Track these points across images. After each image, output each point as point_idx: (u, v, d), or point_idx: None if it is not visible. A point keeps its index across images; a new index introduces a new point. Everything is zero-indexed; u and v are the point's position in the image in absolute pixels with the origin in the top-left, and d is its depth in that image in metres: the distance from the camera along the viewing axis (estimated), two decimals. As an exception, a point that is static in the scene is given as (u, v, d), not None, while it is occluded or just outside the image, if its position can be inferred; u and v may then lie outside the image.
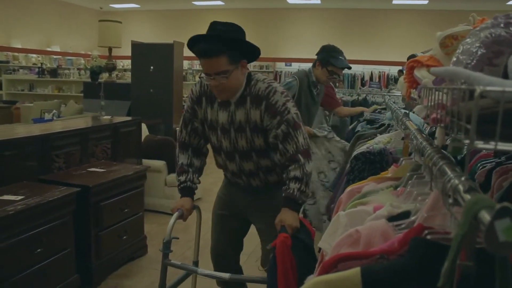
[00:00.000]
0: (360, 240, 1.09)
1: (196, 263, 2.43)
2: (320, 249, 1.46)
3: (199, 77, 2.21)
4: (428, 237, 0.88)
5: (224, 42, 1.90)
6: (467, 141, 0.71)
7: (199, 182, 2.32)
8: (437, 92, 1.09)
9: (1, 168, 3.18)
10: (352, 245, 1.10)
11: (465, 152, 1.55)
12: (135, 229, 3.77)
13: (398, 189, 1.41)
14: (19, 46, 11.49)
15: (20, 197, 2.74)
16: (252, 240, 2.58)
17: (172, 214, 2.19)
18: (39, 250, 2.70)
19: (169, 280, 2.24)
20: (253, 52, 2.04)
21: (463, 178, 0.82)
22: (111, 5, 13.72)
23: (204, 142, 2.30)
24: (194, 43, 1.95)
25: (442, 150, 1.17)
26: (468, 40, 0.98)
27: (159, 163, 5.00)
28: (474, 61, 0.90)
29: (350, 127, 4.36)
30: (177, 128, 7.24)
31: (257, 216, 2.30)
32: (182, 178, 2.26)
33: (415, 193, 1.23)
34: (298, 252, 1.84)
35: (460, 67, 0.93)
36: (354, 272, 0.86)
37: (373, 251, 0.95)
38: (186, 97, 9.83)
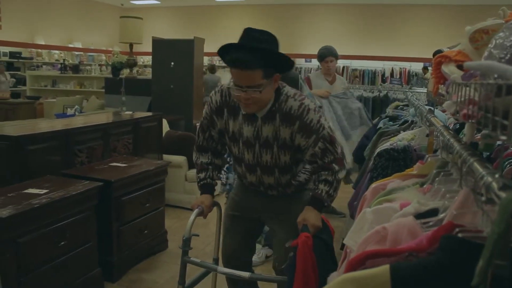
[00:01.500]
0: (387, 237, 1.08)
1: (216, 260, 2.40)
2: (342, 245, 1.45)
3: (221, 88, 2.11)
4: (460, 235, 0.87)
5: (262, 55, 1.79)
6: (503, 137, 0.69)
7: (219, 179, 2.31)
8: (466, 88, 1.07)
9: (27, 162, 3.23)
10: (379, 242, 1.08)
11: (495, 149, 1.52)
12: (155, 224, 3.80)
13: (425, 186, 1.39)
14: (42, 43, 11.67)
15: (44, 191, 2.78)
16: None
17: (192, 211, 2.18)
18: (62, 243, 2.74)
19: (190, 276, 2.23)
20: (286, 65, 1.92)
21: (496, 176, 0.80)
22: (132, 1, 13.84)
23: (222, 147, 2.26)
24: (227, 50, 1.83)
25: (471, 147, 1.15)
26: (501, 34, 0.96)
27: (180, 159, 5.03)
28: (509, 55, 0.88)
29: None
30: (197, 124, 7.26)
31: (272, 217, 2.25)
32: (202, 175, 2.24)
33: (443, 191, 1.21)
34: (318, 252, 1.82)
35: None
36: (383, 269, 0.85)
37: (401, 249, 0.93)
38: (206, 95, 9.86)
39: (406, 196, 1.34)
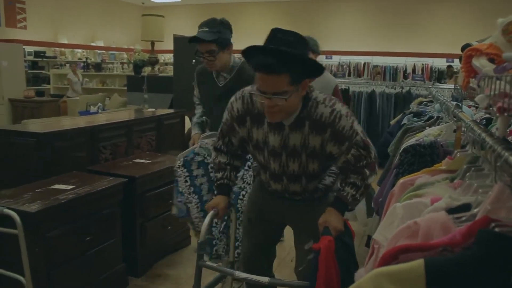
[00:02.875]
0: (418, 232, 1.07)
1: (232, 264, 2.31)
2: (368, 243, 1.40)
3: (242, 94, 1.96)
4: (496, 229, 0.85)
5: (289, 58, 1.63)
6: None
7: (236, 179, 2.21)
8: (499, 81, 1.05)
9: (53, 158, 3.29)
10: (410, 237, 1.07)
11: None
12: (179, 220, 3.82)
13: (455, 181, 1.37)
14: (66, 42, 11.87)
15: (71, 187, 2.83)
16: (283, 246, 2.45)
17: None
18: (88, 238, 2.78)
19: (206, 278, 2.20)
20: (316, 70, 1.76)
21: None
22: (152, 0, 13.94)
23: (242, 151, 2.14)
24: (252, 53, 1.70)
25: (505, 141, 1.13)
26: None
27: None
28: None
29: (395, 119, 4.27)
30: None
31: (295, 219, 2.13)
32: (219, 174, 2.13)
33: (475, 186, 1.19)
34: (340, 255, 1.75)
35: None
36: (417, 263, 0.84)
37: (435, 243, 0.92)
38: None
39: (436, 191, 1.32)
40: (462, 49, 1.82)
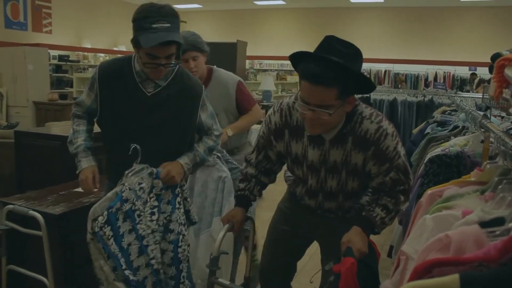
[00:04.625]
0: (450, 246, 1.04)
1: (247, 279, 2.10)
2: (389, 252, 1.35)
3: (280, 107, 1.84)
4: (535, 245, 0.83)
5: (342, 73, 1.51)
6: None
7: (259, 196, 2.05)
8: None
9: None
10: (441, 250, 1.05)
11: None
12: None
13: (486, 194, 1.34)
14: (89, 46, 12.06)
15: (94, 190, 2.85)
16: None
17: None
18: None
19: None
20: (367, 88, 1.66)
21: None
22: (174, 5, 14.05)
23: (279, 167, 2.03)
24: (300, 58, 1.59)
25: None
26: None
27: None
28: None
29: (418, 128, 4.21)
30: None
31: (324, 234, 2.02)
32: (242, 185, 2.01)
33: (508, 199, 1.16)
34: (362, 278, 1.64)
35: None
36: (452, 278, 0.82)
37: (469, 258, 0.90)
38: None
39: (467, 203, 1.29)
40: (492, 58, 1.79)
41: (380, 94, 7.30)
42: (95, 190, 2.03)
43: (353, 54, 1.56)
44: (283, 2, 12.88)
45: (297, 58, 1.60)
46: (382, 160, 1.68)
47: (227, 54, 6.71)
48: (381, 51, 12.50)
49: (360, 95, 7.12)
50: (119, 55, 2.08)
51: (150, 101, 1.97)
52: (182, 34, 2.34)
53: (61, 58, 11.22)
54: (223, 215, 2.03)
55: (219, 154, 2.50)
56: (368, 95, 7.11)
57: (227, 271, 2.48)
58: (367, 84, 1.61)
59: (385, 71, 12.61)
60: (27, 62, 8.69)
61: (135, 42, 1.88)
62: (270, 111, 1.90)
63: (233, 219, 1.93)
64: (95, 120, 2.10)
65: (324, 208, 1.93)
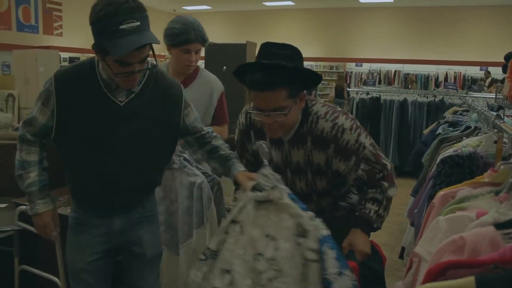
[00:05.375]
0: (464, 247, 1.03)
1: None
2: (401, 254, 1.31)
3: (245, 109, 1.90)
4: (552, 247, 0.82)
5: (283, 72, 1.55)
6: None
7: None
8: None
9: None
10: (455, 252, 1.04)
11: None
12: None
13: (500, 195, 1.33)
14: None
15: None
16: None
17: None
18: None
19: None
20: (313, 80, 1.69)
21: None
22: (183, 7, 14.15)
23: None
24: (244, 71, 1.63)
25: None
26: None
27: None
28: None
29: (429, 129, 4.19)
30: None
31: None
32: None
33: (524, 200, 1.14)
34: (366, 283, 1.62)
35: None
36: (468, 281, 0.81)
37: (485, 260, 0.89)
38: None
39: (481, 204, 1.28)
40: (506, 58, 1.77)
41: (390, 94, 7.28)
42: (54, 233, 1.81)
43: (291, 53, 1.60)
44: (292, 3, 12.88)
45: (240, 73, 1.64)
46: (346, 155, 1.67)
47: (236, 55, 6.72)
48: (391, 51, 12.46)
49: (370, 95, 7.13)
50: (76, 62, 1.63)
51: (123, 112, 1.61)
52: (186, 19, 2.30)
53: (71, 60, 11.35)
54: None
55: (185, 156, 2.17)
56: (378, 96, 7.09)
57: None
58: (312, 76, 1.65)
59: (395, 71, 12.56)
60: (38, 65, 8.77)
61: (99, 49, 1.49)
62: (240, 115, 1.93)
63: None
64: (49, 139, 1.71)
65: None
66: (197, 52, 2.38)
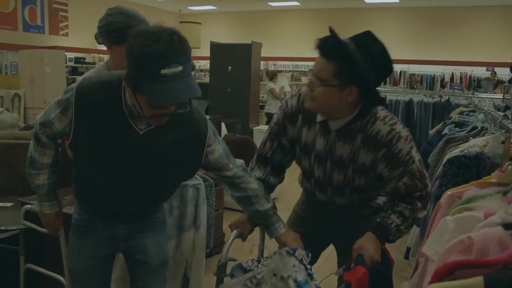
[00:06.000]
0: (472, 247, 1.02)
1: None
2: (406, 254, 1.31)
3: (299, 91, 1.83)
4: (562, 248, 0.81)
5: (347, 58, 1.53)
6: None
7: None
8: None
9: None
10: (463, 252, 1.03)
11: None
12: (214, 226, 3.83)
13: (508, 195, 1.32)
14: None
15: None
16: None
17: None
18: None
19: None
20: (369, 86, 1.60)
21: None
22: (189, 7, 14.16)
23: (290, 159, 1.96)
24: (327, 38, 1.59)
25: None
26: None
27: (239, 162, 5.07)
28: None
29: (435, 129, 4.17)
30: (254, 128, 7.30)
31: (339, 236, 1.96)
32: None
33: (532, 200, 1.13)
34: (375, 287, 1.59)
35: None
36: (476, 281, 0.80)
37: (494, 260, 0.88)
38: (262, 97, 9.85)
39: (488, 205, 1.27)
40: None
41: (395, 95, 7.24)
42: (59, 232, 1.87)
43: (371, 48, 1.57)
44: (298, 3, 12.85)
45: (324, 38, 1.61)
46: (394, 163, 1.64)
47: (242, 55, 6.72)
48: (396, 51, 12.37)
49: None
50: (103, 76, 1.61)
51: (142, 141, 1.54)
52: (122, 10, 2.12)
53: (77, 60, 11.38)
54: (234, 221, 1.94)
55: None
56: (383, 96, 7.07)
57: None
58: (370, 82, 1.56)
59: (401, 71, 12.50)
60: (44, 65, 8.81)
61: (134, 86, 1.39)
62: (288, 96, 1.87)
63: (241, 225, 1.86)
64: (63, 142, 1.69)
65: (336, 203, 1.88)
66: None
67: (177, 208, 2.27)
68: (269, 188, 1.94)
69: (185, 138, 1.59)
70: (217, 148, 1.68)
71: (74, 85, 1.55)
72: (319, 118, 1.73)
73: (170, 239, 2.21)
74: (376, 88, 1.63)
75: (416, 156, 1.65)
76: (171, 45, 1.30)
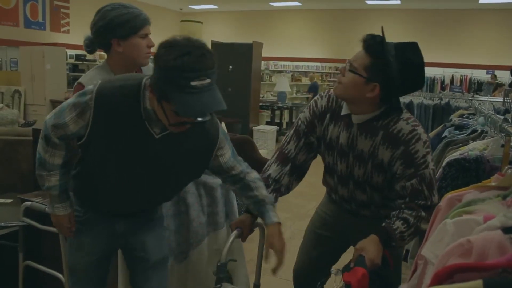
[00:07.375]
0: (471, 251, 1.03)
1: (257, 287, 1.98)
2: (405, 257, 1.30)
3: (329, 93, 1.93)
4: (561, 252, 0.81)
5: (384, 53, 1.65)
6: None
7: (275, 202, 1.92)
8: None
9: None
10: (462, 256, 1.04)
11: None
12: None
13: (508, 199, 1.32)
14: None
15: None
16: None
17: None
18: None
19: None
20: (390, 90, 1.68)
21: None
22: (190, 6, 14.17)
23: (311, 159, 2.00)
24: (373, 36, 1.72)
25: None
26: None
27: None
28: None
29: (435, 132, 4.17)
30: (254, 128, 7.29)
31: (360, 238, 1.85)
32: None
33: (532, 204, 1.14)
34: None
35: None
36: (475, 284, 0.81)
37: (493, 264, 0.89)
38: (263, 97, 9.84)
39: (488, 208, 1.27)
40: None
41: (396, 96, 7.24)
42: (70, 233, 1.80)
43: (407, 57, 1.68)
44: (299, 4, 12.87)
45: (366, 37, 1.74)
46: (408, 163, 1.69)
47: (243, 55, 6.73)
48: (397, 53, 12.42)
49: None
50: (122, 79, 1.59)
51: (157, 144, 1.57)
52: (120, 3, 2.04)
53: (78, 57, 11.38)
54: (235, 221, 1.94)
55: None
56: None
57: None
58: (392, 87, 1.66)
59: (401, 73, 12.53)
60: (45, 61, 8.83)
61: (160, 94, 1.40)
62: (317, 97, 1.96)
63: (242, 225, 1.85)
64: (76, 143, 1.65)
65: (357, 199, 1.92)
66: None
67: (208, 206, 2.30)
68: (278, 191, 1.94)
69: (197, 143, 1.62)
70: (227, 151, 1.71)
71: (92, 88, 1.54)
72: (343, 111, 1.82)
73: (204, 237, 2.27)
74: (399, 98, 1.72)
75: (431, 164, 1.70)
76: (201, 58, 1.35)
